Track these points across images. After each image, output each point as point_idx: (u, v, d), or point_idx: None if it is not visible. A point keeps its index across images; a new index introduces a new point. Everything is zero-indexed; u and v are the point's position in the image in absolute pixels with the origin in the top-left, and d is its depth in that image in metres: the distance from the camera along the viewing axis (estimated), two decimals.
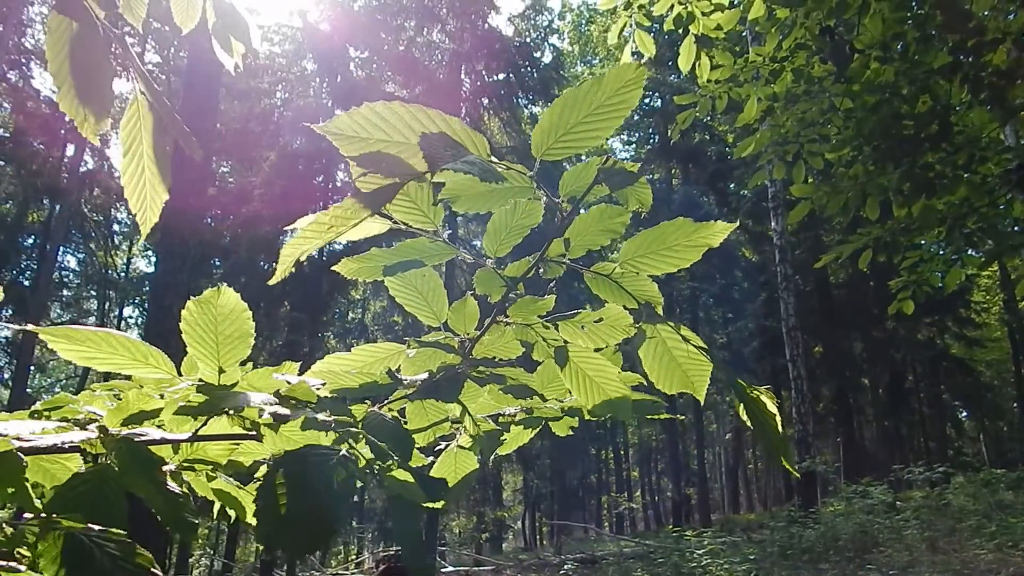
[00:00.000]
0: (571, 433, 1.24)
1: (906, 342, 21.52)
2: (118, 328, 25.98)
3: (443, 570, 14.58)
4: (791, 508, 13.36)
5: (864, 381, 23.72)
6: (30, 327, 0.89)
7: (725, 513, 32.02)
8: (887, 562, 8.97)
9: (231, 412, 1.02)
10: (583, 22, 30.55)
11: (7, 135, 21.48)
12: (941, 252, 4.71)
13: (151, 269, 26.21)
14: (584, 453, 31.81)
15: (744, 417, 0.82)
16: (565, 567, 12.32)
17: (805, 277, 20.55)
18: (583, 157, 0.91)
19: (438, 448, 1.23)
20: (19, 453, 0.88)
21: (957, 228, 4.33)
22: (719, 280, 24.62)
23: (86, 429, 0.97)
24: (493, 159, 0.83)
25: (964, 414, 28.48)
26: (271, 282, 0.81)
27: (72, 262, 25.38)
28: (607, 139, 0.83)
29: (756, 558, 10.32)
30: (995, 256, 4.59)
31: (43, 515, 0.85)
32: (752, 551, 10.92)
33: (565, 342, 1.03)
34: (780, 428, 0.83)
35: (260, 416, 1.04)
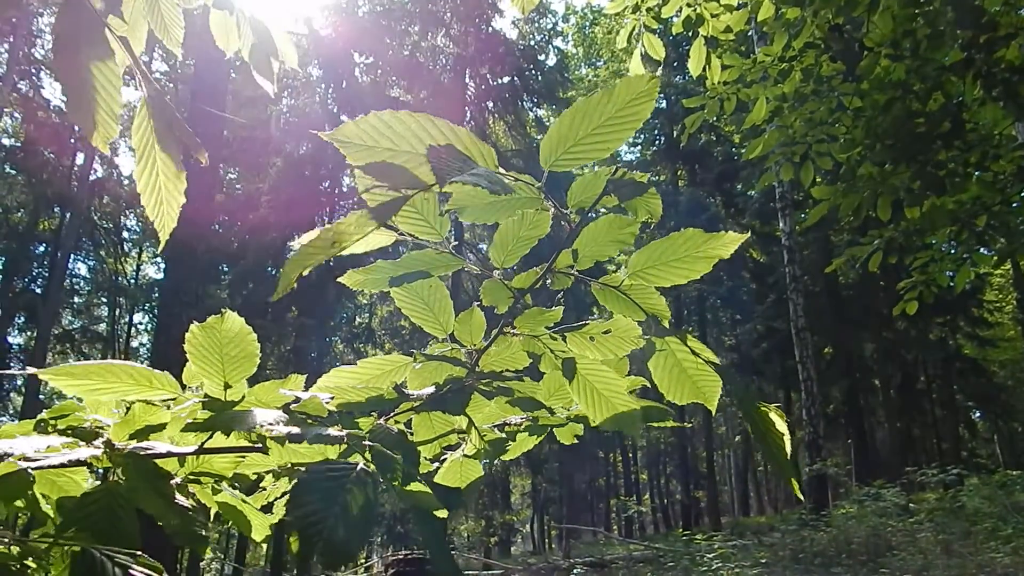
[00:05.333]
0: (576, 441, 1.23)
1: (918, 342, 21.34)
2: (128, 335, 26.11)
3: None
4: (802, 511, 13.26)
5: (875, 382, 23.52)
6: (32, 370, 0.88)
7: (735, 516, 31.80)
8: (901, 566, 8.87)
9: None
10: (587, 24, 30.55)
11: (18, 145, 21.69)
12: (952, 251, 4.67)
13: (160, 276, 26.37)
14: (592, 456, 31.71)
15: (752, 435, 0.80)
16: (574, 571, 12.27)
17: (814, 278, 20.42)
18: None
19: (444, 457, 1.22)
20: (28, 471, 0.88)
21: (969, 227, 4.28)
22: (726, 282, 24.49)
23: (92, 444, 0.97)
24: (501, 170, 0.81)
25: (978, 415, 28.19)
26: (273, 298, 0.80)
27: (83, 269, 25.55)
28: (616, 150, 0.81)
29: (767, 562, 10.24)
30: (1008, 254, 4.53)
31: (53, 533, 0.84)
32: (763, 555, 10.84)
33: (573, 354, 1.01)
34: (789, 448, 0.81)
35: (271, 435, 1.03)
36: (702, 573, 9.71)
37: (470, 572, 15.93)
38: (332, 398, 0.94)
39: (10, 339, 21.83)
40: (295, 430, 0.76)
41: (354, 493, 0.65)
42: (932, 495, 13.76)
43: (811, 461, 13.97)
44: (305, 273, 0.72)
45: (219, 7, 1.31)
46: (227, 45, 1.37)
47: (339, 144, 0.78)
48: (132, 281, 26.73)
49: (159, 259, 27.54)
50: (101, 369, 0.90)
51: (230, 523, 1.18)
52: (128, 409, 0.95)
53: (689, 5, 4.08)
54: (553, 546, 31.76)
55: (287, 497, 0.77)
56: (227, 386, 0.94)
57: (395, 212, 0.71)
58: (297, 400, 0.90)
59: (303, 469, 0.73)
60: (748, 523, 22.36)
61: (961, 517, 10.91)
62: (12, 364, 21.30)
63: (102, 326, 25.72)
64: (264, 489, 1.22)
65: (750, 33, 12.90)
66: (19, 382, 21.76)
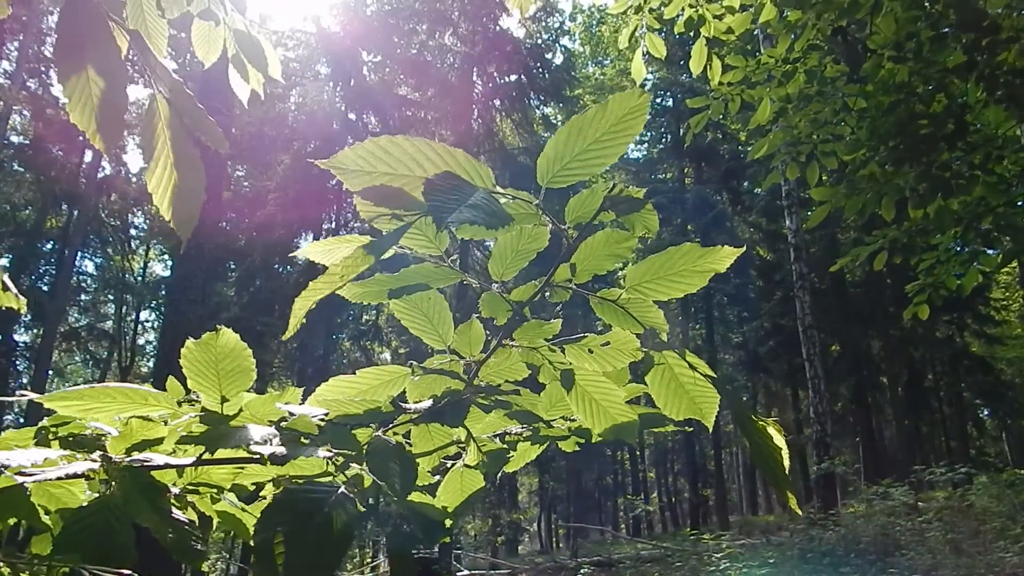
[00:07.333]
0: (577, 449, 1.23)
1: (925, 340, 21.24)
2: (135, 332, 26.22)
3: (458, 573, 14.59)
4: (810, 510, 13.21)
5: (883, 380, 23.42)
6: (30, 395, 0.89)
7: (743, 515, 31.76)
8: (910, 565, 8.83)
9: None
10: (594, 23, 30.45)
11: (27, 142, 21.84)
12: (959, 251, 4.63)
13: (167, 273, 26.51)
14: (600, 455, 31.70)
15: (750, 449, 0.80)
16: (581, 570, 12.28)
17: (821, 275, 20.33)
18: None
19: (443, 468, 1.22)
20: (24, 485, 0.88)
21: (974, 227, 4.26)
22: (733, 279, 24.40)
23: (89, 457, 0.97)
24: (498, 189, 0.81)
25: (985, 413, 28.02)
26: (284, 337, 0.81)
27: (90, 267, 25.73)
28: (610, 165, 0.81)
29: (775, 561, 10.20)
30: (1015, 255, 4.50)
31: (48, 551, 0.85)
32: (771, 554, 10.80)
33: (571, 366, 1.01)
34: (786, 463, 0.81)
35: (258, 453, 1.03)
36: (710, 573, 9.69)
37: (477, 572, 15.97)
38: (326, 413, 0.94)
39: (16, 337, 22.00)
40: (280, 450, 0.76)
41: (329, 517, 0.65)
42: (941, 494, 13.69)
43: (819, 459, 13.92)
44: (312, 306, 0.73)
45: (204, 18, 1.31)
46: (206, 56, 1.36)
47: (337, 171, 0.78)
48: (139, 279, 26.91)
49: (166, 256, 27.70)
50: (96, 392, 0.91)
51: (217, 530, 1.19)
52: (127, 425, 0.96)
53: (691, 6, 4.06)
54: (560, 545, 31.79)
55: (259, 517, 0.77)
56: (224, 400, 0.95)
57: (399, 239, 0.72)
58: (291, 415, 0.90)
59: (283, 489, 0.73)
60: (756, 522, 22.31)
61: (970, 516, 10.84)
62: (18, 362, 21.47)
63: (109, 324, 25.89)
64: (265, 498, 1.23)
65: (755, 32, 12.83)
66: (25, 380, 21.94)
